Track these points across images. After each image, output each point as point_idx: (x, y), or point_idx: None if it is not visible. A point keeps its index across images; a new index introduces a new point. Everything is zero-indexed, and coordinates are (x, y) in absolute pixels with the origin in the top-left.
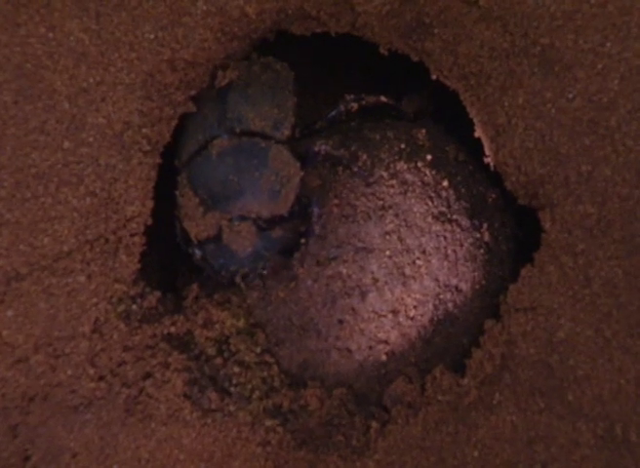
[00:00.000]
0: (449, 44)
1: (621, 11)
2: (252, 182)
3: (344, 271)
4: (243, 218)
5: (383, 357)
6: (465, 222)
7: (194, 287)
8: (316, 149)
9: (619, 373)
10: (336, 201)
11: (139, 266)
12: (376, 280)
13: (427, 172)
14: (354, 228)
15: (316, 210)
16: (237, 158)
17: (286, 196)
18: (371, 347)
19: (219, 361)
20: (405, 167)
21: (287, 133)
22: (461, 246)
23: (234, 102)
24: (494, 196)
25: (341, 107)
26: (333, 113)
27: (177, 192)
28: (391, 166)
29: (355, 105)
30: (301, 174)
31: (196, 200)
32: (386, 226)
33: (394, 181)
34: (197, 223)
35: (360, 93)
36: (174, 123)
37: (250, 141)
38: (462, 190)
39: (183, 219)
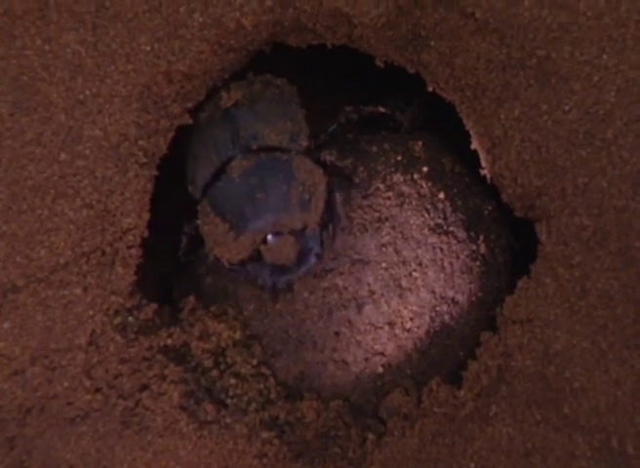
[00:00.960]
0: (445, 56)
1: (618, 23)
2: (281, 197)
3: (341, 283)
4: (277, 234)
5: (380, 369)
6: (462, 234)
7: (191, 299)
8: (322, 159)
9: (615, 385)
10: None
11: (135, 278)
12: (372, 292)
13: (424, 184)
14: (351, 240)
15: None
16: (262, 175)
17: (316, 204)
18: (367, 359)
19: (215, 373)
20: (401, 179)
21: (304, 143)
22: (458, 258)
23: (245, 121)
24: (490, 208)
25: (342, 119)
26: (334, 126)
27: (198, 222)
28: (388, 178)
29: (355, 116)
30: (326, 180)
31: (225, 226)
32: (383, 238)
33: (390, 193)
34: (229, 248)
35: (357, 103)
36: (170, 135)
37: (270, 157)
38: (459, 202)
39: (213, 247)
